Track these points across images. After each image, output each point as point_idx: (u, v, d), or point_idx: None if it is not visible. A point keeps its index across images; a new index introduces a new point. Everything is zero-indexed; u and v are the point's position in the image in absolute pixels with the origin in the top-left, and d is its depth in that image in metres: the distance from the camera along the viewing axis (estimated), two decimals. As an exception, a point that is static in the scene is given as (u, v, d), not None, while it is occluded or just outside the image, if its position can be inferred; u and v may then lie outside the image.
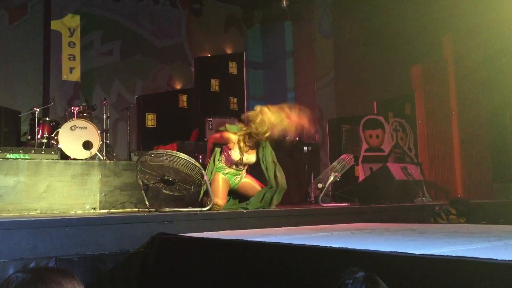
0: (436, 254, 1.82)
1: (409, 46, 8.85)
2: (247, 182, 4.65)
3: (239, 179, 4.63)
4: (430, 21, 8.30)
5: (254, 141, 4.51)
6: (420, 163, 8.47)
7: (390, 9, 8.83)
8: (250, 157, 4.56)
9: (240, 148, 4.50)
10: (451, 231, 2.97)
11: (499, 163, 7.97)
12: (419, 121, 8.85)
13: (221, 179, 4.50)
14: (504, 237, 2.56)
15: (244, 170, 4.67)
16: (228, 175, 4.57)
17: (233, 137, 4.47)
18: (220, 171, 4.55)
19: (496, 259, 1.59)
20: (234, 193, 4.67)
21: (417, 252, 1.87)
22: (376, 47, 9.47)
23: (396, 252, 1.92)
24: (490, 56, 7.97)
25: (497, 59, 7.97)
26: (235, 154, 4.51)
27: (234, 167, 4.56)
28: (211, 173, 4.49)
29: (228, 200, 4.60)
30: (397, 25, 9.12)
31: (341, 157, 5.66)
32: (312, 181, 7.10)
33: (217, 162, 4.56)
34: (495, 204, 6.27)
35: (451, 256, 1.74)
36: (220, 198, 4.37)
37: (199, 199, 4.45)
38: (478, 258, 1.66)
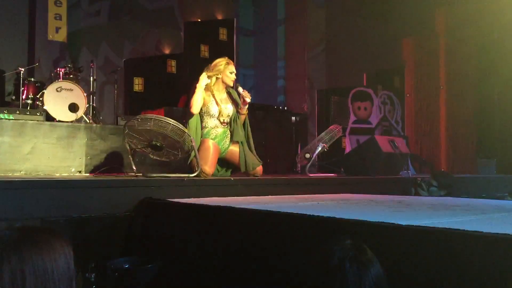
0: (422, 225, 1.83)
1: (401, 19, 8.78)
2: (235, 150, 4.64)
3: (228, 143, 4.61)
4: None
5: (223, 87, 4.61)
6: (406, 136, 8.53)
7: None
8: (228, 106, 4.59)
9: (215, 100, 4.53)
10: (436, 204, 3.01)
11: (484, 139, 8.07)
12: (407, 95, 8.86)
13: (212, 146, 4.46)
14: (488, 211, 2.60)
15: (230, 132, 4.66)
16: (217, 138, 4.54)
17: (202, 80, 4.49)
18: (208, 137, 4.52)
19: (482, 231, 1.61)
20: (223, 161, 4.66)
21: (403, 222, 1.88)
22: (368, 18, 9.38)
23: (383, 222, 1.94)
24: (482, 31, 7.94)
25: (489, 34, 7.95)
26: (213, 107, 4.52)
27: (219, 124, 4.55)
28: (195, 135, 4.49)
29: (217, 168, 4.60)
30: (390, -3, 9.02)
31: (330, 128, 5.68)
32: (299, 151, 7.12)
33: (203, 129, 4.54)
34: (479, 179, 6.37)
35: (437, 227, 1.75)
36: (208, 165, 4.34)
37: (188, 162, 4.41)
38: (464, 229, 1.68)
